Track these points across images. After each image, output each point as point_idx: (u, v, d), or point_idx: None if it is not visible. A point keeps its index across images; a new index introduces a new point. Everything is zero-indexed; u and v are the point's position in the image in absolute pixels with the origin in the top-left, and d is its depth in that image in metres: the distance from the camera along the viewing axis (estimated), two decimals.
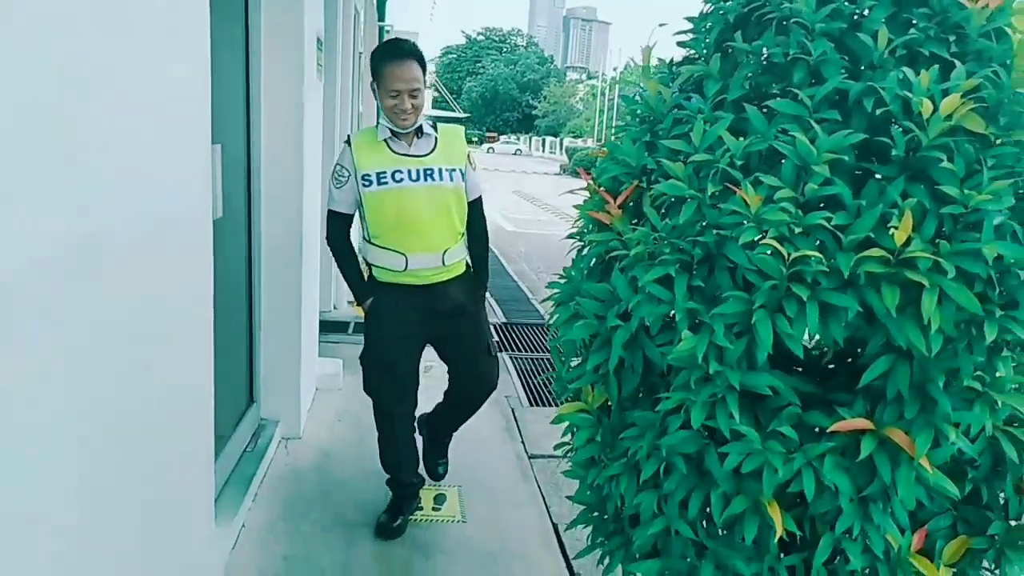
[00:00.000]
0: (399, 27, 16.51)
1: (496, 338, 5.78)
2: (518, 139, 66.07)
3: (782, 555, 1.36)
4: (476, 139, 71.30)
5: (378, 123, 2.59)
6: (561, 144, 59.73)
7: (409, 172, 2.54)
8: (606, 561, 1.64)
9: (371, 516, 2.89)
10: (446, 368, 2.93)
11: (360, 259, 2.80)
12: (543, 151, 63.95)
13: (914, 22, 1.31)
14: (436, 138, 2.61)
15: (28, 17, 1.09)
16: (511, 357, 5.41)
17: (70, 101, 1.24)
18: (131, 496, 1.65)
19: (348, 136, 2.71)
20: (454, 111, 67.98)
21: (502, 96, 76.61)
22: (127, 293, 1.57)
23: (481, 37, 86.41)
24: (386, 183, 2.54)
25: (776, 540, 1.33)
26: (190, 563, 2.18)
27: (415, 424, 2.94)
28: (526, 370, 5.12)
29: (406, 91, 2.45)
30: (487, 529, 3.00)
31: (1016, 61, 1.22)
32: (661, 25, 1.61)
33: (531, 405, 4.45)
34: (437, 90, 68.40)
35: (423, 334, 2.75)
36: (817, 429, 1.30)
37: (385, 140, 2.57)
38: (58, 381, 1.24)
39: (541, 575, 2.72)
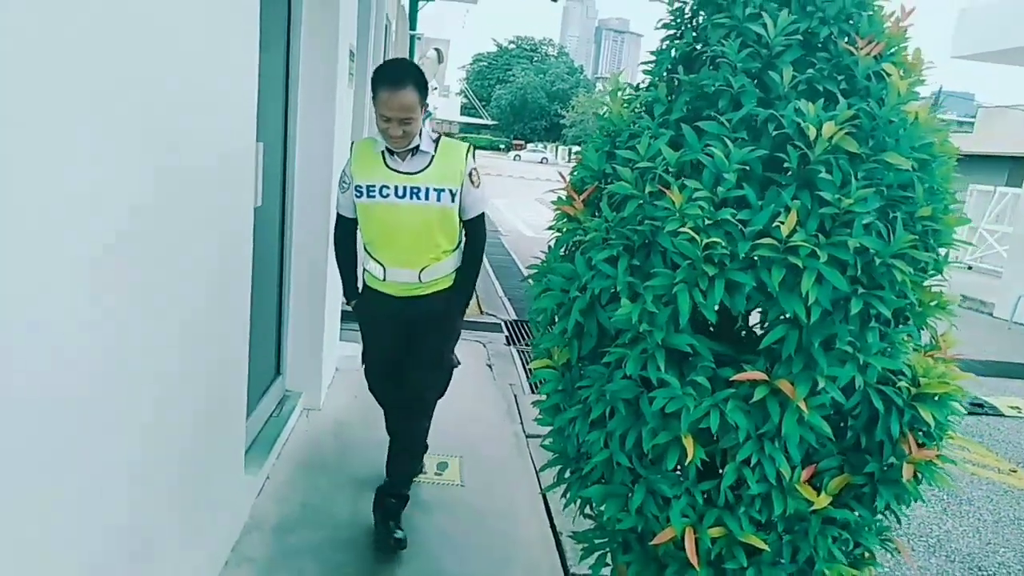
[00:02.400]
0: (430, 35, 16.98)
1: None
2: (545, 147, 66.49)
3: (699, 481, 1.70)
4: (503, 146, 71.82)
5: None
6: None
7: (396, 188, 2.56)
8: (568, 495, 1.99)
9: (379, 477, 3.25)
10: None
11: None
12: (569, 159, 64.39)
13: (815, 64, 1.66)
14: (433, 156, 2.59)
15: (126, 47, 1.50)
16: (518, 350, 5.77)
17: (150, 108, 1.63)
18: (181, 441, 2.06)
19: (352, 143, 2.84)
20: (482, 118, 68.57)
21: (531, 104, 77.07)
22: (189, 270, 1.99)
23: (512, 46, 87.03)
24: (374, 196, 2.58)
25: (693, 470, 1.68)
26: (223, 500, 2.58)
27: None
28: (528, 361, 5.47)
29: (396, 119, 2.44)
30: (482, 493, 3.36)
31: (888, 98, 1.57)
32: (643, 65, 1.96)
33: (532, 392, 4.80)
34: (466, 97, 69.05)
35: (399, 338, 2.83)
36: (728, 381, 1.65)
37: (382, 152, 2.61)
38: (136, 347, 1.65)
39: (527, 532, 3.07)
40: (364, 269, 2.83)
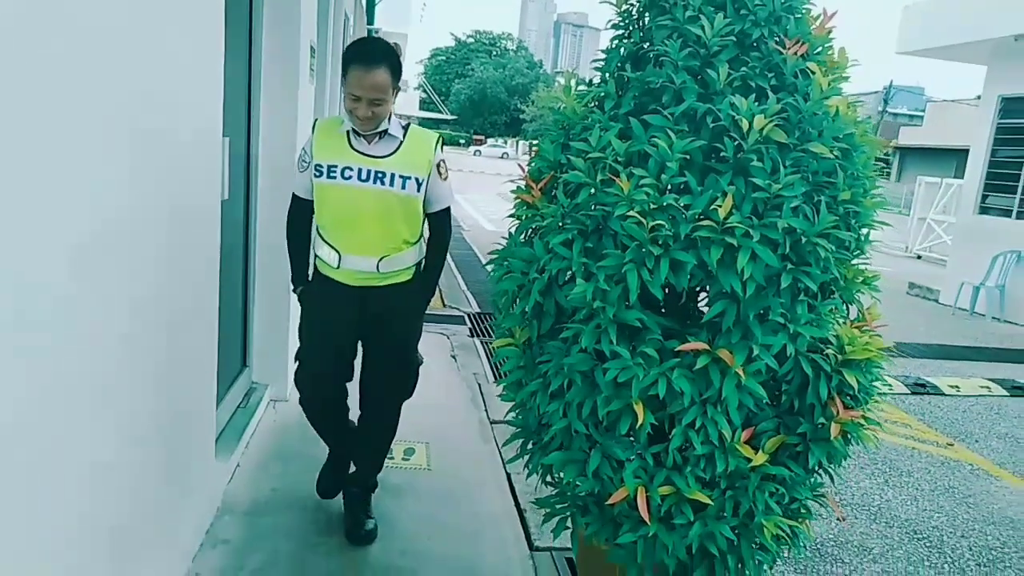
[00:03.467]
0: (388, 29, 16.95)
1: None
2: (505, 142, 66.59)
3: (649, 445, 1.86)
4: (463, 141, 71.70)
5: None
6: None
7: (360, 171, 2.44)
8: (530, 465, 2.13)
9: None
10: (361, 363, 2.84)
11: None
12: (530, 154, 64.34)
13: (748, 62, 1.82)
14: (401, 142, 2.49)
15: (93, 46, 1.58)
16: (481, 342, 5.90)
17: (119, 105, 1.72)
18: (154, 429, 2.14)
19: (315, 121, 2.64)
20: (441, 113, 68.32)
21: (490, 99, 77.04)
22: (160, 263, 2.07)
23: (470, 40, 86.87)
24: (334, 177, 2.45)
25: (644, 434, 1.83)
26: (196, 485, 2.66)
27: (346, 406, 2.91)
28: (492, 353, 5.61)
29: (366, 98, 2.33)
30: (450, 476, 3.48)
31: (813, 93, 1.73)
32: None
33: (495, 381, 4.93)
34: (425, 91, 68.76)
35: (352, 332, 2.68)
36: (674, 352, 1.80)
37: (347, 133, 2.48)
38: (110, 341, 1.73)
39: (493, 509, 3.20)
40: (315, 255, 2.68)
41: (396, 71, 2.40)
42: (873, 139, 1.87)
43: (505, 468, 3.60)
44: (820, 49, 1.85)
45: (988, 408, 5.63)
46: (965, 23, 9.33)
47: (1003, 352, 7.53)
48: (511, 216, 2.18)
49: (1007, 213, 9.40)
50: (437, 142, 2.59)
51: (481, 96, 76.91)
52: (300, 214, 2.70)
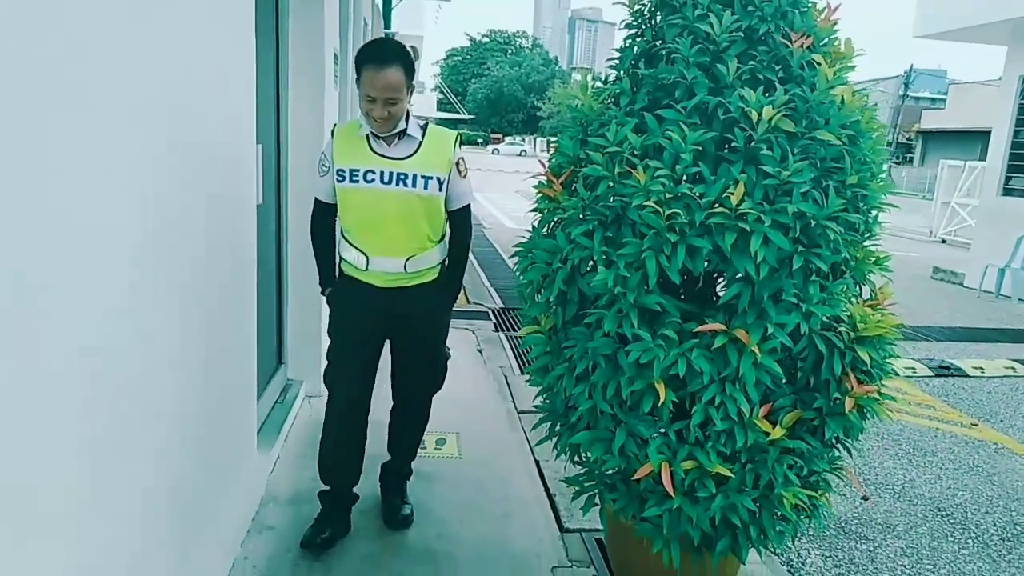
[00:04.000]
0: (404, 32, 17.14)
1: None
2: (523, 140, 66.64)
3: (671, 422, 1.96)
4: (481, 140, 71.86)
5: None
6: None
7: (381, 174, 2.46)
8: (558, 446, 2.24)
9: (380, 455, 3.33)
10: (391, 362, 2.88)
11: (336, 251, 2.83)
12: (548, 151, 64.42)
13: (756, 56, 1.91)
14: (420, 142, 2.50)
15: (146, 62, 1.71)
16: (506, 336, 6.02)
17: (167, 119, 1.85)
18: (202, 423, 2.27)
19: (335, 126, 2.67)
20: (458, 113, 68.52)
21: (507, 98, 77.12)
22: (204, 266, 2.21)
23: (486, 39, 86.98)
24: (357, 181, 2.47)
25: (666, 412, 1.93)
26: (242, 476, 2.81)
27: (365, 436, 2.84)
28: (516, 346, 5.72)
29: (381, 99, 2.34)
30: (480, 464, 3.60)
31: (819, 84, 1.82)
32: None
33: (521, 373, 5.05)
34: (442, 92, 69.01)
35: (380, 333, 2.71)
36: (693, 333, 1.90)
37: (366, 136, 2.49)
38: (161, 340, 1.86)
39: (524, 494, 3.32)
40: (341, 258, 2.71)
41: (409, 70, 2.40)
42: (879, 125, 1.95)
43: (534, 455, 3.71)
44: (826, 41, 1.93)
45: (1013, 388, 5.64)
46: (983, 4, 9.27)
47: None
48: (534, 210, 2.29)
49: None
50: (456, 140, 2.61)
51: (498, 95, 77.01)
52: (323, 217, 2.75)
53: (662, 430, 1.94)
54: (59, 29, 1.31)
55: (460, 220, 2.68)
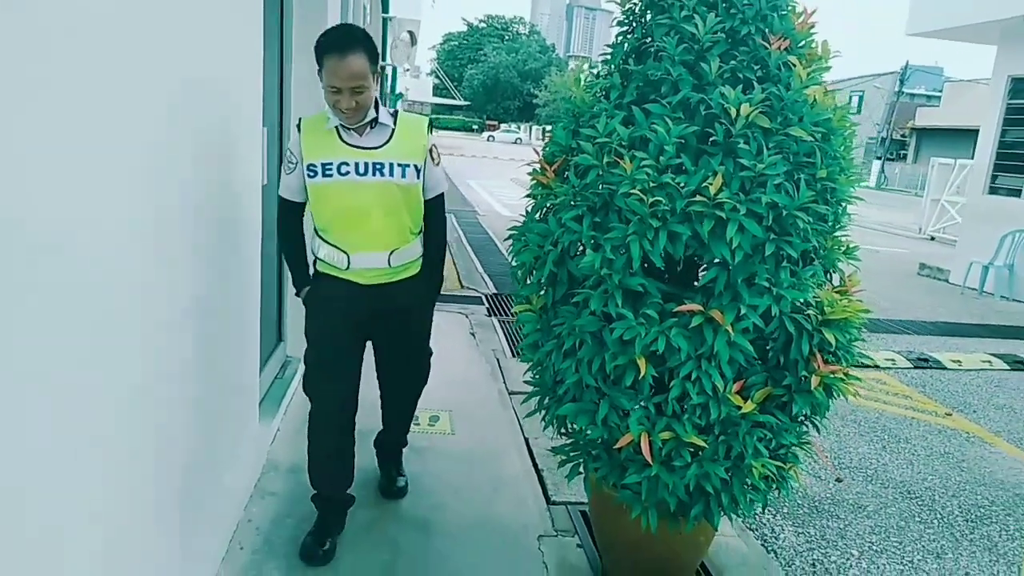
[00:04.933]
0: (401, 15, 17.16)
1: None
2: (518, 128, 66.58)
3: (651, 396, 2.11)
4: (476, 127, 71.72)
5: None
6: None
7: (356, 165, 2.35)
8: (546, 418, 2.39)
9: (375, 429, 3.45)
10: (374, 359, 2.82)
11: (308, 250, 2.70)
12: (543, 139, 64.44)
13: (736, 56, 2.05)
14: (393, 130, 2.41)
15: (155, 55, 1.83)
16: (498, 321, 6.16)
17: (191, 107, 1.97)
18: (208, 393, 2.38)
19: (300, 120, 2.52)
20: (454, 99, 68.33)
21: (503, 84, 76.91)
22: (214, 244, 2.32)
23: (483, 25, 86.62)
24: (331, 175, 2.36)
25: (646, 386, 2.08)
26: (244, 445, 2.95)
27: (354, 435, 2.74)
28: (508, 330, 5.86)
29: (347, 88, 2.23)
30: (471, 440, 3.76)
31: (794, 83, 1.96)
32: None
33: (512, 356, 5.20)
34: (438, 77, 68.76)
35: (364, 332, 2.62)
36: (672, 313, 2.05)
37: (336, 128, 2.38)
38: (175, 315, 1.97)
39: (513, 470, 3.47)
40: (316, 258, 2.58)
41: (373, 55, 2.29)
42: (851, 123, 2.09)
43: (523, 433, 3.86)
44: (803, 43, 2.07)
45: (988, 381, 5.83)
46: (973, 4, 9.41)
47: (1008, 329, 7.69)
48: (527, 196, 2.42)
49: (1016, 193, 9.52)
50: (428, 126, 2.51)
51: (494, 81, 76.77)
52: (292, 217, 2.60)
53: (642, 403, 2.09)
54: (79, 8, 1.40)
55: (435, 209, 2.58)
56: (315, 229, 2.52)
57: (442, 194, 2.60)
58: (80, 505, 1.49)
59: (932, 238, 15.66)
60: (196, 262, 2.17)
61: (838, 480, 3.85)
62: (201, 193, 2.19)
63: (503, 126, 68.15)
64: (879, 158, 41.56)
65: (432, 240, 2.63)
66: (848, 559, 3.12)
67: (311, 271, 2.68)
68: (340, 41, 2.24)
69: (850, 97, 52.09)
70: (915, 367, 6.02)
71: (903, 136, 45.55)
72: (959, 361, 6.24)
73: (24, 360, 1.25)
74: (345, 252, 2.45)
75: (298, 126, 2.48)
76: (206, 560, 2.43)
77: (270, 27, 3.54)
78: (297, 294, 2.69)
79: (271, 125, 3.61)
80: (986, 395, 5.49)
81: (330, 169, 2.36)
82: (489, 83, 76.91)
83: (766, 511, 3.41)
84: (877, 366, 5.90)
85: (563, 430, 2.43)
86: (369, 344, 2.75)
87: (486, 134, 63.84)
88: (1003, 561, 3.20)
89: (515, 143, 56.72)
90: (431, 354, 2.91)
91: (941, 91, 44.34)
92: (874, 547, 3.23)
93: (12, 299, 1.20)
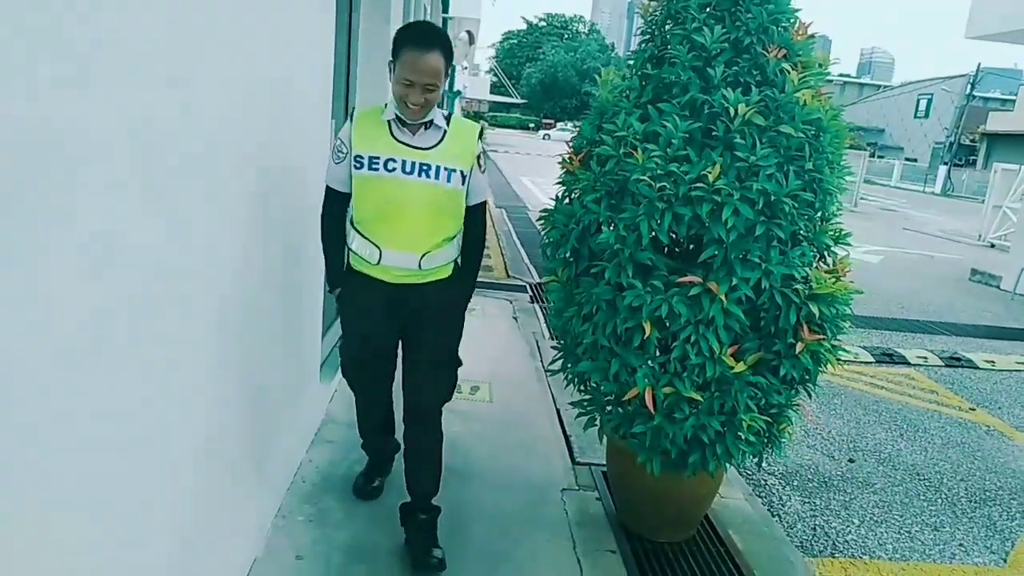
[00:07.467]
0: (461, 14, 17.60)
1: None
2: (575, 127, 66.43)
3: (656, 355, 2.44)
4: (532, 125, 72.03)
5: (387, 103, 2.40)
6: None
7: (404, 163, 2.32)
8: (567, 377, 2.75)
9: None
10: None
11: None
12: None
13: (739, 63, 2.36)
14: (445, 132, 2.37)
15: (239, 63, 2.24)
16: (541, 307, 6.52)
17: (277, 106, 2.38)
18: (280, 354, 2.77)
19: (353, 110, 2.52)
20: (512, 97, 68.77)
21: (561, 83, 76.96)
22: (289, 219, 2.71)
23: (542, 23, 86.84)
24: (377, 169, 2.33)
25: (652, 347, 2.41)
26: (307, 400, 3.37)
27: (392, 408, 2.92)
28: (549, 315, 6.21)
29: (420, 84, 2.22)
30: (508, 409, 4.13)
31: (787, 87, 2.27)
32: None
33: (551, 338, 5.55)
34: (496, 75, 69.30)
35: (394, 327, 2.57)
36: (675, 284, 2.37)
37: (388, 122, 2.35)
38: (255, 289, 2.35)
39: (544, 434, 3.83)
40: (349, 249, 2.54)
41: (449, 56, 2.29)
42: (843, 123, 2.38)
43: (555, 405, 4.21)
44: (801, 52, 2.37)
45: (1020, 381, 5.92)
46: None
47: None
48: (557, 183, 2.77)
49: None
50: (479, 133, 2.49)
51: (552, 80, 76.85)
52: (337, 207, 2.53)
53: (648, 361, 2.42)
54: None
55: (477, 216, 2.53)
56: (352, 220, 2.50)
57: (484, 202, 2.56)
58: (190, 426, 1.91)
59: (992, 245, 15.35)
60: (271, 244, 2.55)
61: (851, 461, 4.09)
62: (285, 180, 2.60)
63: (559, 124, 68.34)
64: (945, 163, 40.36)
65: (470, 246, 2.57)
66: (848, 526, 3.38)
67: (344, 265, 2.65)
68: (422, 37, 2.25)
69: (918, 100, 50.64)
70: (946, 365, 6.15)
71: (973, 141, 44.09)
72: (992, 361, 6.33)
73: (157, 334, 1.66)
74: (378, 247, 2.41)
75: (350, 116, 2.45)
76: (276, 486, 2.86)
77: (339, 26, 3.97)
78: (331, 291, 2.68)
79: (338, 119, 4.04)
80: (1015, 394, 5.59)
81: (376, 163, 2.34)
82: (547, 81, 77.04)
83: (778, 481, 3.69)
84: (907, 362, 6.05)
85: (581, 387, 2.77)
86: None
87: (542, 132, 64.11)
88: (999, 537, 3.41)
89: (569, 143, 56.66)
90: (460, 364, 2.68)
91: (1016, 95, 42.76)
92: (875, 519, 3.48)
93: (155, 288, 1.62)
